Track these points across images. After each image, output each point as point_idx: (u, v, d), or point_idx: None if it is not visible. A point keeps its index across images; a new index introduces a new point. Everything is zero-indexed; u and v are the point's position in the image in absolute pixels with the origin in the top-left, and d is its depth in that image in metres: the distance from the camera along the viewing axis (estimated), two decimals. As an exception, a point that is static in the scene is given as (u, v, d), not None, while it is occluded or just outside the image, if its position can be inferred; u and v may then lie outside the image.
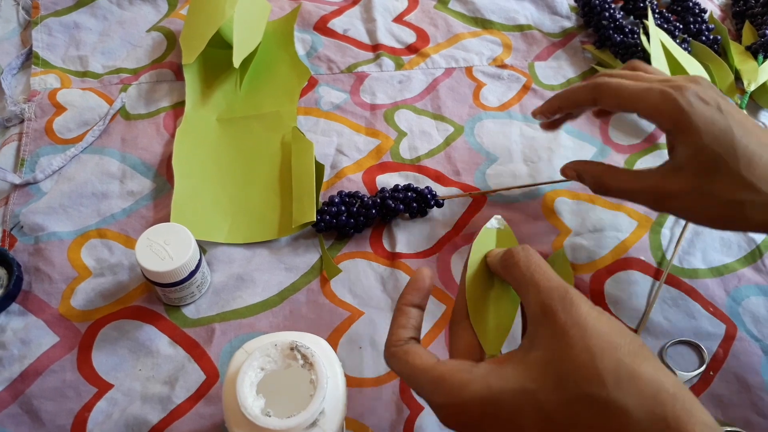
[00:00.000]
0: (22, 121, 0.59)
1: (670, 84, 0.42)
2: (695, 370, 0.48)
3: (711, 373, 0.48)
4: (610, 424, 0.28)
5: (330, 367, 0.37)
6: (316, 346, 0.38)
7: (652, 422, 0.28)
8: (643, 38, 0.64)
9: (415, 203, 0.53)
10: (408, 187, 0.54)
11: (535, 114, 0.51)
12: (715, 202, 0.41)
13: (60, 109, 0.60)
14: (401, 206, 0.53)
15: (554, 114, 0.51)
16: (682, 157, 0.42)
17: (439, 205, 0.54)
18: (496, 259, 0.38)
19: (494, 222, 0.41)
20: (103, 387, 0.46)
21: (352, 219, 0.52)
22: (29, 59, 0.64)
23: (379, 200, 0.53)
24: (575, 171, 0.48)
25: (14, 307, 0.49)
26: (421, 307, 0.37)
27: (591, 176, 0.47)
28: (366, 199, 0.53)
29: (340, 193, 0.54)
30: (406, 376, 0.35)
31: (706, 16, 0.69)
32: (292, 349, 0.36)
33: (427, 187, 0.54)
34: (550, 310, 0.32)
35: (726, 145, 0.40)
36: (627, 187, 0.45)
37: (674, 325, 0.50)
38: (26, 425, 0.44)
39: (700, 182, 0.41)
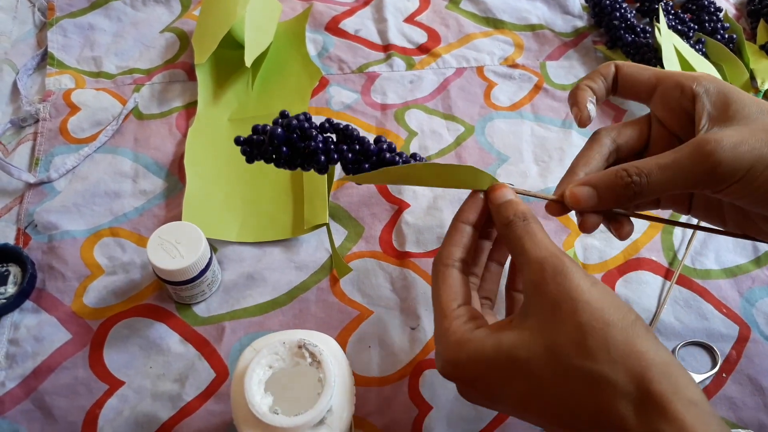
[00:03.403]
0: (37, 121, 0.60)
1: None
2: (707, 371, 0.47)
3: (723, 375, 0.47)
4: (600, 395, 0.29)
5: (338, 366, 0.37)
6: (325, 344, 0.38)
7: (639, 397, 0.28)
8: (657, 36, 0.63)
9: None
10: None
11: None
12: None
13: (74, 109, 0.61)
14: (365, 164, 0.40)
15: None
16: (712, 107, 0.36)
17: None
18: (496, 216, 0.36)
19: None
20: (114, 384, 0.46)
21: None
22: (44, 60, 0.65)
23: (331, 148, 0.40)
24: (587, 188, 0.37)
25: (28, 304, 0.50)
26: (476, 227, 0.37)
27: (609, 187, 0.37)
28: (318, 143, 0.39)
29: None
30: (432, 299, 0.36)
31: (721, 15, 0.68)
32: (300, 347, 0.36)
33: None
34: (541, 281, 0.32)
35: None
36: (665, 165, 0.35)
37: (686, 326, 0.50)
38: (38, 421, 0.45)
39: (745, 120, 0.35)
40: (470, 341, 0.33)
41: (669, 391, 0.28)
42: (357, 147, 0.40)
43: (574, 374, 0.30)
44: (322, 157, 0.39)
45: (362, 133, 0.44)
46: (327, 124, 0.40)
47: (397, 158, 0.40)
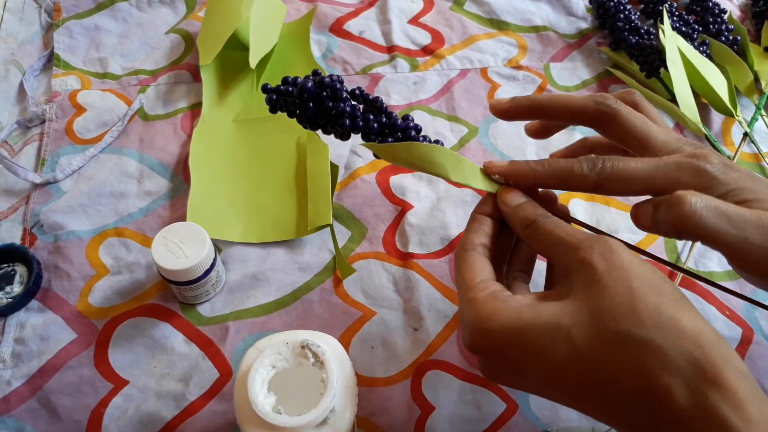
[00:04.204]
0: (43, 122, 0.61)
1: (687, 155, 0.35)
2: (710, 373, 0.47)
3: (726, 377, 0.47)
4: (646, 363, 0.28)
5: (341, 366, 0.37)
6: (327, 344, 0.38)
7: (688, 364, 0.27)
8: (661, 38, 0.63)
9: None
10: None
11: (500, 108, 0.40)
12: None
13: (80, 109, 0.61)
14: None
15: (528, 116, 0.40)
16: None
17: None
18: (515, 218, 0.36)
19: None
20: (118, 383, 0.47)
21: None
22: (51, 61, 0.66)
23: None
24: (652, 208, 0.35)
25: (34, 303, 0.50)
26: (495, 218, 0.37)
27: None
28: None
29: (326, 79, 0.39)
30: (456, 284, 0.35)
31: (726, 16, 0.68)
32: (303, 347, 0.37)
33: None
34: (586, 260, 0.31)
35: None
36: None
37: (689, 329, 0.49)
38: (44, 420, 0.45)
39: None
40: (503, 309, 0.32)
41: (720, 360, 0.27)
42: (384, 119, 0.39)
43: (621, 340, 0.28)
44: (347, 121, 0.38)
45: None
46: (357, 91, 0.39)
47: (422, 139, 0.39)
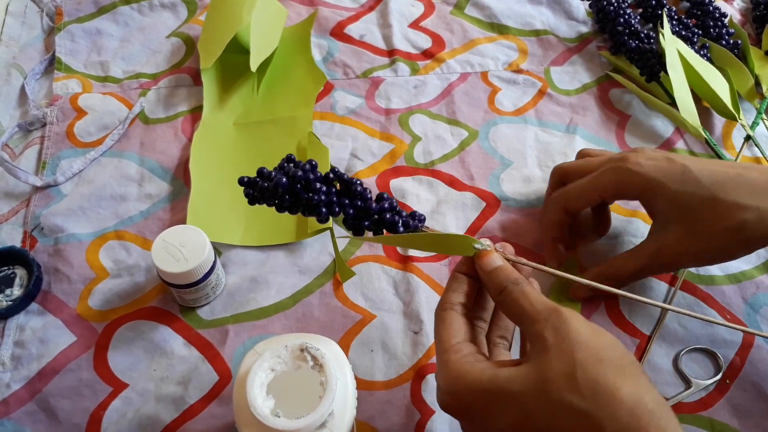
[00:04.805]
0: (44, 125, 0.61)
1: (614, 160, 0.46)
2: (711, 378, 0.47)
3: (727, 381, 0.47)
4: None
5: (340, 369, 0.37)
6: (326, 348, 0.38)
7: None
8: (661, 41, 0.63)
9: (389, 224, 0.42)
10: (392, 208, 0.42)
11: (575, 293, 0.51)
12: (714, 235, 0.43)
13: (81, 113, 0.61)
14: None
15: (560, 243, 0.51)
16: (662, 212, 0.44)
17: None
18: (489, 284, 0.38)
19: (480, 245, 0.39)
20: (118, 386, 0.47)
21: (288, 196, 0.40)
22: (52, 64, 0.66)
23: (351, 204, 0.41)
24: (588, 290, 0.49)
25: (33, 306, 0.50)
26: (474, 277, 0.39)
27: (606, 278, 0.48)
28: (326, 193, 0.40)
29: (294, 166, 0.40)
30: (435, 342, 0.38)
31: (726, 20, 0.68)
32: (302, 350, 0.37)
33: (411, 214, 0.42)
34: (540, 333, 0.33)
35: (691, 181, 0.43)
36: (635, 268, 0.47)
37: (690, 332, 0.49)
38: (43, 423, 0.45)
39: (691, 225, 0.43)
40: (469, 372, 0.34)
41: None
42: (359, 203, 0.41)
43: (564, 409, 0.30)
44: (324, 210, 0.40)
45: (366, 181, 0.52)
46: (332, 174, 0.40)
47: (396, 217, 0.41)
